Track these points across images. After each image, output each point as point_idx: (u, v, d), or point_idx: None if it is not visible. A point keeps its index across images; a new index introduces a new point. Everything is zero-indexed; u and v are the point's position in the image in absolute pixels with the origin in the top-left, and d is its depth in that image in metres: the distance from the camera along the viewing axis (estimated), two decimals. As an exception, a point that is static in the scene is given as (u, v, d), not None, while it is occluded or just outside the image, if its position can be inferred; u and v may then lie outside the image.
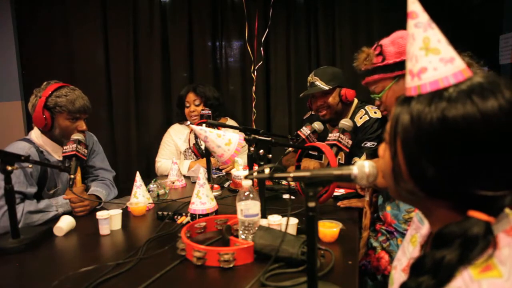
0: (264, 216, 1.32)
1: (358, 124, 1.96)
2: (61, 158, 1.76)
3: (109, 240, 1.42)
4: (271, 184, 1.92)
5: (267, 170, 0.92)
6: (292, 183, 1.59)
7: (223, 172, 2.38)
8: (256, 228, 1.20)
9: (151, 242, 1.35)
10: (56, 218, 1.58)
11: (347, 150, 1.64)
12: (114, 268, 1.15)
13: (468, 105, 0.57)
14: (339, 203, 1.69)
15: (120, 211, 1.53)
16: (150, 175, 2.74)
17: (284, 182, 1.90)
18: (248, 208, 1.20)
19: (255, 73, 3.01)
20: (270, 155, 1.51)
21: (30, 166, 1.57)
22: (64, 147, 1.60)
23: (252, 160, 1.46)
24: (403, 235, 1.50)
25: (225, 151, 1.45)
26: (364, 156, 1.88)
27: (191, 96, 2.59)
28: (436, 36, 0.63)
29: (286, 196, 1.83)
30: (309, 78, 2.09)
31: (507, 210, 0.62)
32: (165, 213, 1.58)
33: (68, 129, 1.73)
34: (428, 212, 0.70)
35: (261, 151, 1.42)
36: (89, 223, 1.57)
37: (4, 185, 1.37)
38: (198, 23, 3.03)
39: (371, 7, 2.96)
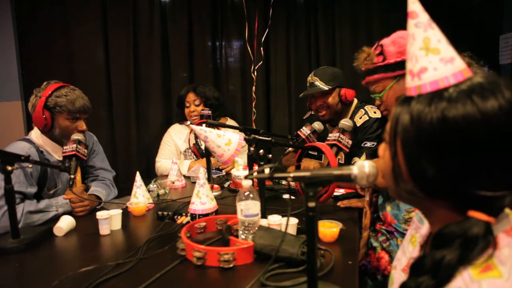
0: (264, 216, 1.32)
1: (358, 124, 1.96)
2: (61, 158, 1.76)
3: (109, 240, 1.42)
4: (271, 184, 1.92)
5: (267, 170, 0.92)
6: (292, 183, 1.59)
7: (223, 172, 2.38)
8: (256, 228, 1.20)
9: (151, 242, 1.35)
10: (56, 218, 1.58)
11: (347, 150, 1.64)
12: (114, 268, 1.15)
13: (468, 105, 0.57)
14: (339, 203, 1.69)
15: (120, 211, 1.53)
16: (150, 175, 2.74)
17: (284, 182, 1.90)
18: (248, 208, 1.20)
19: (255, 73, 3.01)
20: (270, 155, 1.51)
21: (30, 166, 1.57)
22: (64, 147, 1.60)
23: (252, 160, 1.46)
24: (403, 235, 1.50)
25: (225, 151, 1.45)
26: (364, 156, 1.88)
27: (191, 96, 2.59)
28: (436, 36, 0.63)
29: (286, 196, 1.83)
30: (309, 78, 2.09)
31: (507, 210, 0.62)
32: (165, 213, 1.58)
33: (68, 129, 1.73)
34: (428, 212, 0.70)
35: (261, 151, 1.42)
36: (89, 223, 1.57)
37: (4, 185, 1.37)
38: (198, 23, 3.03)
39: (371, 7, 2.96)
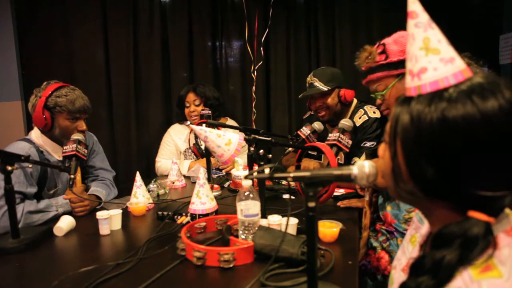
0: (264, 216, 1.32)
1: (357, 124, 1.96)
2: (61, 158, 1.76)
3: (109, 240, 1.42)
4: (271, 184, 1.92)
5: (267, 170, 0.92)
6: (292, 183, 1.59)
7: (223, 172, 2.38)
8: (256, 228, 1.20)
9: (151, 242, 1.35)
10: (56, 218, 1.58)
11: (347, 150, 1.64)
12: (114, 268, 1.15)
13: (468, 105, 0.57)
14: (339, 203, 1.69)
15: (120, 211, 1.53)
16: (150, 175, 2.74)
17: (284, 182, 1.90)
18: (248, 208, 1.20)
19: (255, 73, 3.01)
20: (270, 155, 1.51)
21: (30, 166, 1.57)
22: (64, 147, 1.60)
23: (252, 160, 1.46)
24: (403, 235, 1.50)
25: (225, 151, 1.45)
26: (363, 156, 1.88)
27: (191, 96, 2.60)
28: (436, 36, 0.63)
29: (286, 196, 1.83)
30: (308, 79, 2.09)
31: (507, 210, 0.62)
32: (165, 213, 1.58)
33: (68, 129, 1.73)
34: (428, 212, 0.70)
35: (261, 151, 1.42)
36: (89, 223, 1.57)
37: (4, 185, 1.37)
38: (198, 23, 3.03)
39: (371, 7, 2.96)
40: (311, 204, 0.78)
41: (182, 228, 1.31)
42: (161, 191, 1.88)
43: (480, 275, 0.55)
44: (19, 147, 1.67)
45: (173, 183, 2.11)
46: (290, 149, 1.95)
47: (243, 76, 3.11)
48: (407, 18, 0.66)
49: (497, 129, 0.56)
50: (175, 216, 1.54)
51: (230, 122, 2.76)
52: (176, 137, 2.66)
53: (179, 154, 2.64)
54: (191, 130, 2.39)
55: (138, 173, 1.76)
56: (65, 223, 1.47)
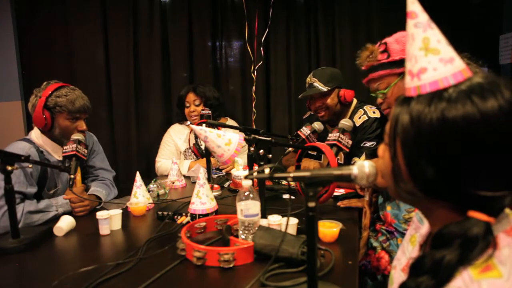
0: (264, 216, 1.32)
1: (357, 124, 1.96)
2: (61, 158, 1.76)
3: (109, 240, 1.42)
4: (271, 184, 1.92)
5: (267, 170, 0.92)
6: (292, 183, 1.59)
7: (223, 172, 2.38)
8: (256, 228, 1.20)
9: (151, 242, 1.35)
10: (56, 218, 1.58)
11: (347, 150, 1.64)
12: (114, 268, 1.15)
13: (467, 106, 0.57)
14: (339, 203, 1.69)
15: (120, 211, 1.53)
16: (150, 175, 2.74)
17: (284, 182, 1.90)
18: (248, 208, 1.20)
19: (255, 73, 3.01)
20: (270, 155, 1.51)
21: (30, 166, 1.57)
22: (64, 147, 1.60)
23: (252, 160, 1.46)
24: (403, 235, 1.50)
25: (225, 151, 1.45)
26: (363, 156, 1.88)
27: (191, 96, 2.60)
28: (435, 36, 0.63)
29: (286, 196, 1.83)
30: (308, 79, 2.09)
31: (507, 210, 0.62)
32: (165, 213, 1.58)
33: (68, 129, 1.73)
34: (428, 212, 0.70)
35: (261, 151, 1.42)
36: (89, 223, 1.57)
37: (4, 185, 1.37)
38: (198, 23, 3.03)
39: (371, 7, 2.96)
40: (311, 204, 0.78)
41: (182, 228, 1.31)
42: (161, 191, 1.88)
43: (480, 275, 0.55)
44: (19, 147, 1.67)
45: (173, 183, 2.11)
46: (290, 149, 1.95)
47: (243, 76, 3.11)
48: (406, 18, 0.66)
49: (497, 129, 0.56)
50: (175, 216, 1.54)
51: (230, 122, 2.76)
52: (176, 137, 2.66)
53: (179, 154, 2.64)
54: (191, 130, 2.39)
55: (138, 173, 1.76)
56: (65, 223, 1.47)
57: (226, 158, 1.46)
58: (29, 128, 2.94)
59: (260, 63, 3.00)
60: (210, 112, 2.29)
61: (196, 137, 2.05)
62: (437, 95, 0.60)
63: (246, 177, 0.94)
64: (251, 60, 3.00)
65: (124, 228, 1.52)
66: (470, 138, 0.57)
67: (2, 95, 2.95)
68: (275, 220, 1.26)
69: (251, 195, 1.20)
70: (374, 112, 1.97)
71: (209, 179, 1.98)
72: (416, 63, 0.64)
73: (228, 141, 1.44)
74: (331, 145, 1.60)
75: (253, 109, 3.06)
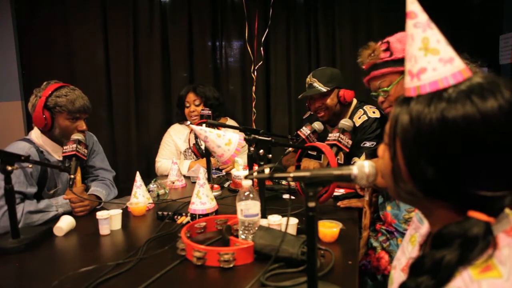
0: (264, 216, 1.32)
1: (357, 124, 1.95)
2: (61, 158, 1.76)
3: (109, 240, 1.42)
4: (271, 184, 1.92)
5: (267, 170, 0.92)
6: (292, 183, 1.59)
7: (223, 172, 2.38)
8: (256, 228, 1.20)
9: (151, 242, 1.35)
10: (56, 218, 1.58)
11: (347, 150, 1.64)
12: (114, 268, 1.15)
13: (467, 106, 0.57)
14: (339, 203, 1.69)
15: (120, 211, 1.53)
16: (150, 175, 2.74)
17: (284, 182, 1.90)
18: (248, 208, 1.20)
19: (255, 73, 3.01)
20: (270, 155, 1.51)
21: (30, 166, 1.57)
22: (64, 147, 1.60)
23: (252, 160, 1.46)
24: (403, 235, 1.50)
25: (225, 151, 1.45)
26: (363, 156, 1.88)
27: (191, 96, 2.60)
28: (435, 36, 0.63)
29: (286, 196, 1.83)
30: (307, 79, 2.09)
31: (507, 210, 0.62)
32: (165, 213, 1.58)
33: (68, 129, 1.73)
34: (428, 212, 0.70)
35: (261, 151, 1.42)
36: (89, 223, 1.57)
37: (4, 185, 1.37)
38: (198, 23, 3.03)
39: (371, 7, 2.97)
40: (311, 204, 0.78)
41: (182, 228, 1.31)
42: (161, 191, 1.88)
43: (480, 275, 0.55)
44: (19, 147, 1.68)
45: (173, 183, 2.11)
46: (290, 149, 1.95)
47: (243, 76, 3.11)
48: (406, 18, 0.66)
49: (497, 129, 0.56)
50: (175, 216, 1.54)
51: (230, 122, 2.76)
52: (176, 137, 2.66)
53: (179, 154, 2.65)
54: (191, 130, 2.39)
55: (138, 173, 1.76)
56: (65, 223, 1.47)
57: (226, 158, 1.46)
58: (29, 128, 2.94)
59: (260, 63, 3.00)
60: (210, 112, 2.29)
61: (196, 137, 2.05)
62: (436, 95, 0.60)
63: (246, 177, 0.94)
64: (251, 60, 3.00)
65: (124, 228, 1.52)
66: (470, 138, 0.57)
67: (2, 95, 2.95)
68: (275, 220, 1.26)
69: (251, 195, 1.20)
70: (374, 112, 1.97)
71: (209, 179, 1.99)
72: (415, 63, 0.64)
73: (228, 141, 1.45)
74: (331, 145, 1.60)
75: (253, 109, 3.06)
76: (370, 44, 1.53)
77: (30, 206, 1.59)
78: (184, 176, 2.27)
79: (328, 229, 1.29)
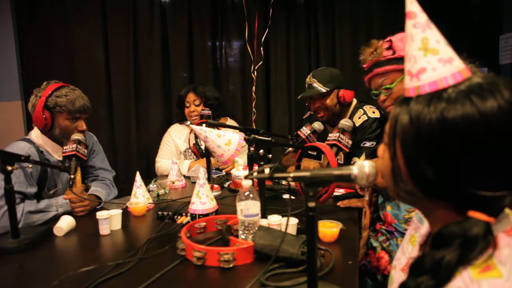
0: (264, 216, 1.32)
1: (357, 124, 1.95)
2: (61, 158, 1.76)
3: (109, 240, 1.42)
4: (271, 184, 1.92)
5: (267, 170, 0.92)
6: (292, 183, 1.59)
7: (223, 172, 2.38)
8: (256, 228, 1.20)
9: (151, 242, 1.35)
10: (56, 218, 1.58)
11: (347, 150, 1.64)
12: (114, 268, 1.15)
13: (467, 106, 0.57)
14: (339, 203, 1.69)
15: (120, 211, 1.53)
16: (150, 175, 2.74)
17: (284, 182, 1.90)
18: (248, 208, 1.20)
19: (255, 73, 3.01)
20: (270, 155, 1.51)
21: (30, 166, 1.57)
22: (64, 147, 1.60)
23: (252, 160, 1.46)
24: (403, 235, 1.50)
25: (225, 151, 1.45)
26: (363, 156, 1.88)
27: (191, 96, 2.60)
28: (434, 37, 0.63)
29: (286, 196, 1.83)
30: (307, 79, 2.09)
31: (507, 210, 0.62)
32: (165, 213, 1.58)
33: (68, 129, 1.73)
34: (428, 212, 0.70)
35: (261, 151, 1.42)
36: (89, 223, 1.57)
37: (4, 185, 1.37)
38: (198, 23, 3.03)
39: (371, 7, 2.96)
40: (311, 204, 0.78)
41: (182, 228, 1.31)
42: (161, 191, 1.88)
43: (480, 275, 0.55)
44: (19, 147, 1.68)
45: (173, 183, 2.11)
46: (290, 149, 1.95)
47: (243, 76, 3.11)
48: (405, 18, 0.66)
49: (496, 129, 0.56)
50: (175, 216, 1.54)
51: (230, 122, 2.76)
52: (176, 137, 2.66)
53: (179, 154, 2.65)
54: (191, 130, 2.39)
55: (138, 173, 1.76)
56: (65, 223, 1.47)
57: (226, 158, 1.46)
58: (29, 128, 2.94)
59: (260, 63, 3.00)
60: (210, 112, 2.29)
61: (196, 137, 2.05)
62: (436, 96, 0.60)
63: (246, 177, 0.94)
64: (251, 60, 3.00)
65: (124, 228, 1.52)
66: (470, 138, 0.57)
67: (2, 95, 2.95)
68: (275, 220, 1.26)
69: (251, 195, 1.20)
70: (373, 112, 1.97)
71: (209, 179, 1.99)
72: (415, 63, 0.64)
73: (228, 141, 1.45)
74: (331, 145, 1.60)
75: (253, 109, 3.06)
76: (372, 42, 1.52)
77: (30, 206, 1.59)
78: (184, 176, 2.27)
79: (328, 229, 1.29)
